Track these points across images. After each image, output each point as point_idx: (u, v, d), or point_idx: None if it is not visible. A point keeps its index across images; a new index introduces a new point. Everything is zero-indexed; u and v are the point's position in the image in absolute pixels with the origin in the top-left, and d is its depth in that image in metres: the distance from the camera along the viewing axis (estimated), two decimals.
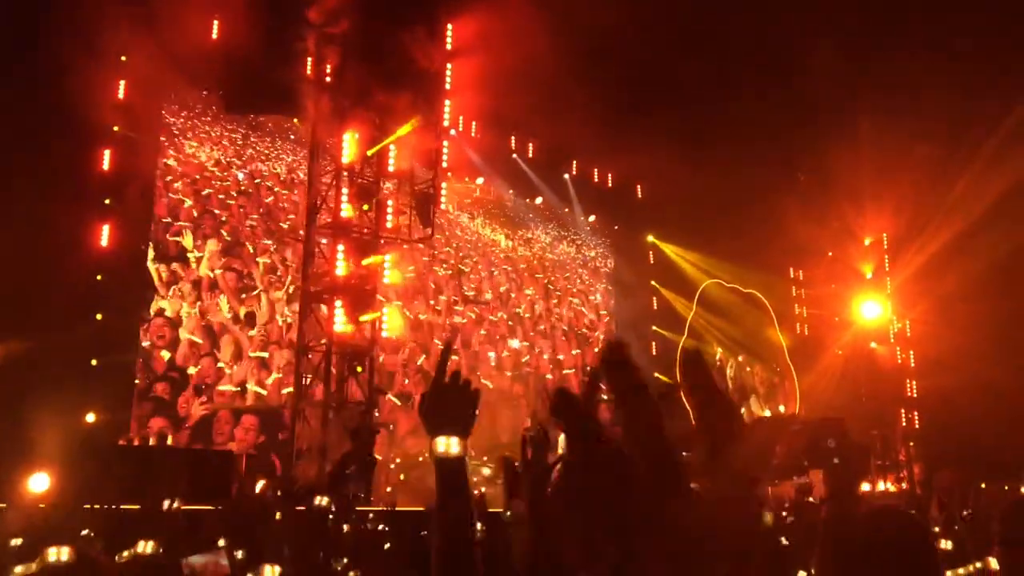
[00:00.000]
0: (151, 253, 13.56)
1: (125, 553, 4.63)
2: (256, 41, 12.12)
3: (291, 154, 15.48)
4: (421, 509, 8.96)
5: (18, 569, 2.95)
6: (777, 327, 23.23)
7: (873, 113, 17.37)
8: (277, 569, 3.85)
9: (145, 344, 13.21)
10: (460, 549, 1.95)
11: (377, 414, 14.01)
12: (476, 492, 2.47)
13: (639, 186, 21.08)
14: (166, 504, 7.08)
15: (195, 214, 14.25)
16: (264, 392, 14.23)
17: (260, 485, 9.30)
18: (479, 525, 2.05)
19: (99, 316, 11.81)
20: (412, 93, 12.67)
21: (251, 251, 14.78)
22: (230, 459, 11.19)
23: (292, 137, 15.51)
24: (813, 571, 3.74)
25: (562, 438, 2.02)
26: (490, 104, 15.18)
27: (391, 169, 13.37)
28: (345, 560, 5.04)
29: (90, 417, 11.26)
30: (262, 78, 12.78)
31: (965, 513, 5.55)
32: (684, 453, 2.03)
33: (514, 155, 18.71)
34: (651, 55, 15.21)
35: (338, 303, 12.46)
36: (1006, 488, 10.51)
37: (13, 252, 9.65)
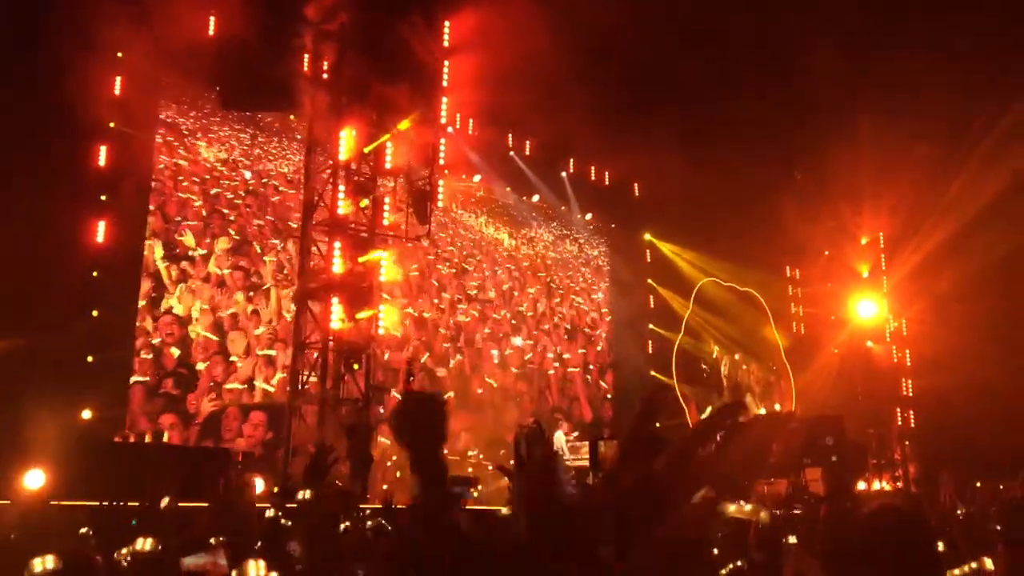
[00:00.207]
0: (159, 251, 13.63)
1: (124, 550, 4.62)
2: (253, 37, 12.08)
3: (297, 154, 15.50)
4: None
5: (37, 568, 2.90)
6: (773, 326, 23.27)
7: (870, 113, 17.41)
8: (262, 564, 3.83)
9: (155, 341, 13.34)
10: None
11: (382, 411, 13.98)
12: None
13: (636, 184, 21.08)
14: (164, 502, 7.09)
15: (204, 213, 14.38)
16: (271, 389, 14.38)
17: (260, 485, 9.26)
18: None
19: (95, 313, 11.78)
20: (409, 90, 12.63)
21: (258, 250, 14.94)
22: (224, 457, 11.19)
23: (299, 137, 15.53)
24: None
25: (558, 435, 2.03)
26: (487, 101, 15.18)
27: (388, 166, 13.30)
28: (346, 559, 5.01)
29: (86, 414, 11.24)
30: (259, 74, 12.70)
31: (959, 512, 5.57)
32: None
33: (511, 152, 18.70)
34: (648, 53, 15.21)
35: (335, 300, 12.42)
36: (1001, 487, 10.51)
37: (9, 248, 9.63)
